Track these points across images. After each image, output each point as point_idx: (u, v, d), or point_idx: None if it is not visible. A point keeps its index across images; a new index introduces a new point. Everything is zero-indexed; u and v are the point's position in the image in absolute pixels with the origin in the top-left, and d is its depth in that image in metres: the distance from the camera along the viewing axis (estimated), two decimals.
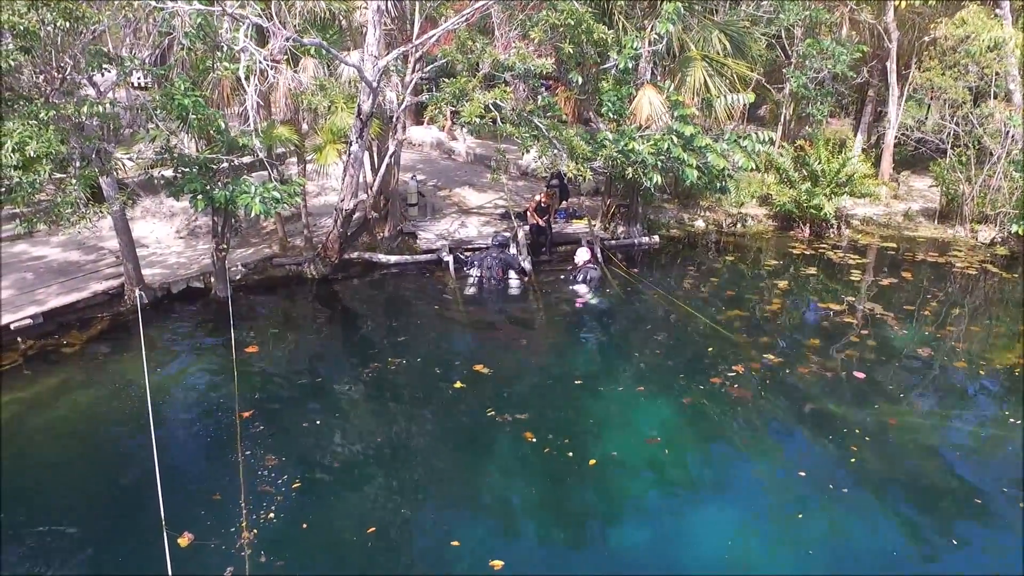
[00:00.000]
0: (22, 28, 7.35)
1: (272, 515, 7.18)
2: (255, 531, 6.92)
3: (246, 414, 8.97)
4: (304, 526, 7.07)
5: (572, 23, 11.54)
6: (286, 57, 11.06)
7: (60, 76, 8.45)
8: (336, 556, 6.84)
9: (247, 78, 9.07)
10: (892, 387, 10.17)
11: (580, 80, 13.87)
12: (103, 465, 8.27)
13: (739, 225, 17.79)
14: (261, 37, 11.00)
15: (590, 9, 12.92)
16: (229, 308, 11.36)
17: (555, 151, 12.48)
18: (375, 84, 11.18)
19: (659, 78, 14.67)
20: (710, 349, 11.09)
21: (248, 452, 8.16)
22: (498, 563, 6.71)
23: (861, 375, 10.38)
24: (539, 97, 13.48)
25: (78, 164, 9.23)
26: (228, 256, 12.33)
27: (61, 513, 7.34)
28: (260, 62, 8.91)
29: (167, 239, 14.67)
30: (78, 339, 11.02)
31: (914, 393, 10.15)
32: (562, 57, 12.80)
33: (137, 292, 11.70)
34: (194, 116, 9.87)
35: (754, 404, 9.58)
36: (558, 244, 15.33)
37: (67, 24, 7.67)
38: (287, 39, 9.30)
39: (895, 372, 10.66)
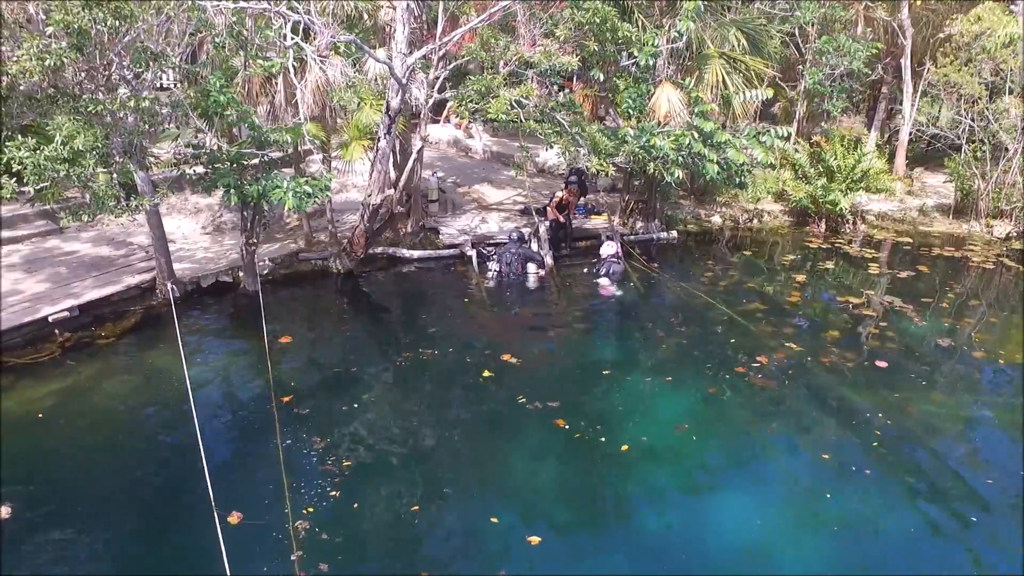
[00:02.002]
0: (76, 27, 7.60)
1: (326, 493, 7.45)
2: (310, 509, 7.17)
3: (286, 399, 9.24)
4: (355, 505, 7.31)
5: (597, 21, 11.75)
6: (330, 52, 11.28)
7: (106, 73, 8.71)
8: (386, 531, 7.10)
9: (296, 73, 9.29)
10: (913, 375, 10.35)
11: (602, 77, 14.08)
12: (145, 450, 8.48)
13: (755, 221, 17.96)
14: (298, 34, 11.21)
15: (612, 8, 13.15)
16: (260, 300, 11.59)
17: (577, 147, 12.70)
18: (404, 81, 11.41)
19: (677, 75, 14.87)
20: (733, 340, 11.28)
21: (289, 441, 8.37)
22: (535, 539, 6.94)
23: (883, 364, 10.56)
24: (561, 94, 13.71)
25: (118, 159, 9.46)
26: (256, 250, 12.56)
27: (105, 496, 7.58)
28: (310, 57, 9.13)
29: (193, 235, 14.91)
30: (113, 331, 11.25)
31: (934, 381, 10.32)
32: (586, 55, 12.99)
33: (169, 285, 11.93)
34: (229, 112, 10.09)
35: (778, 392, 9.78)
36: (578, 239, 15.54)
37: (117, 23, 7.92)
38: (332, 36, 9.52)
39: (915, 362, 10.85)
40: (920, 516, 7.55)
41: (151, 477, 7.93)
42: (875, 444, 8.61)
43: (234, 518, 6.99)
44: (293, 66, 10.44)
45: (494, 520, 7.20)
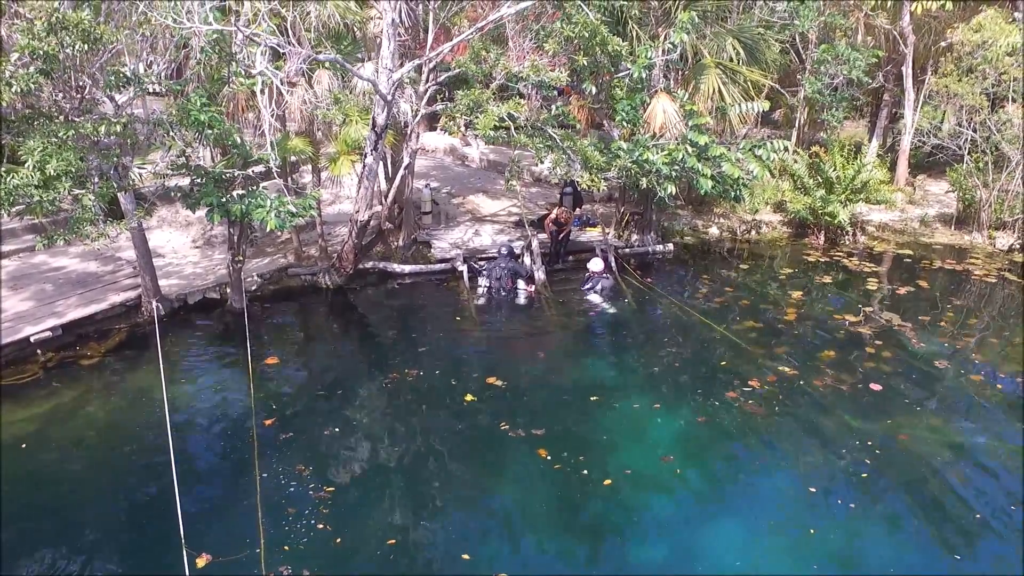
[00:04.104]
0: (42, 52, 7.44)
1: (309, 526, 7.35)
2: (301, 546, 7.03)
3: (268, 422, 9.16)
4: (335, 540, 7.20)
5: (587, 35, 11.54)
6: (301, 77, 11.11)
7: (79, 96, 8.54)
8: (361, 568, 6.95)
9: (264, 93, 9.13)
10: (907, 400, 10.12)
11: (594, 90, 13.86)
12: (122, 480, 8.35)
13: (753, 232, 17.72)
14: (277, 52, 11.05)
15: (604, 18, 12.94)
16: (244, 320, 11.45)
17: (569, 162, 12.50)
18: (389, 97, 11.22)
19: (673, 85, 14.64)
20: (724, 362, 11.07)
21: (266, 474, 8.21)
22: None
23: (877, 387, 10.34)
24: (552, 107, 13.51)
25: (96, 180, 9.30)
26: (243, 267, 12.41)
27: (77, 530, 7.44)
28: (277, 85, 8.96)
29: (183, 248, 14.78)
30: (96, 351, 11.14)
31: (929, 406, 10.09)
32: (576, 68, 12.78)
33: (154, 304, 11.80)
34: (210, 131, 9.94)
35: (769, 420, 9.55)
36: (571, 253, 15.32)
37: (85, 47, 7.75)
38: (304, 61, 9.34)
39: (911, 385, 10.60)
40: (903, 552, 7.35)
41: (123, 513, 7.79)
42: (864, 475, 8.40)
43: (202, 560, 6.82)
44: (278, 86, 10.28)
45: (465, 557, 7.03)
